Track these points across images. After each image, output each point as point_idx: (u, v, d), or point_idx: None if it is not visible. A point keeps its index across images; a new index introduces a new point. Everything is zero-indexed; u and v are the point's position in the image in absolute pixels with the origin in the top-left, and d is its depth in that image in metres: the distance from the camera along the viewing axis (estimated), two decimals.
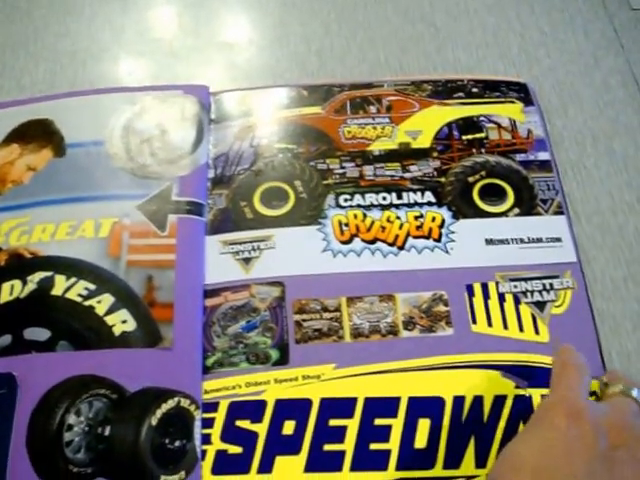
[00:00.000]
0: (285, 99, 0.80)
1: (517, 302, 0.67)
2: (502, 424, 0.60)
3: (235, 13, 0.90)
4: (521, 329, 0.65)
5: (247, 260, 0.69)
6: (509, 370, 0.63)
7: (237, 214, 0.72)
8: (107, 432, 0.60)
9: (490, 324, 0.66)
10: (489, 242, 0.70)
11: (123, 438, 0.60)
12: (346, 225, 0.71)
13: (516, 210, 0.72)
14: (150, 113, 0.77)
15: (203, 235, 0.70)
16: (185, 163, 0.73)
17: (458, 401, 0.62)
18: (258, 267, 0.69)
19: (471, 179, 0.74)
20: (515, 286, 0.67)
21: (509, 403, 0.62)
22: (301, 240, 0.70)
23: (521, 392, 0.62)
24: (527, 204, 0.72)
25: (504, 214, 0.72)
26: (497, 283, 0.67)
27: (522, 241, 0.70)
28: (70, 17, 0.90)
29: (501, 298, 0.67)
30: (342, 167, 0.75)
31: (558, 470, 0.48)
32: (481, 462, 0.59)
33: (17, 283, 0.68)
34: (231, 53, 0.86)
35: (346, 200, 0.73)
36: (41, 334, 0.65)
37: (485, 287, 0.67)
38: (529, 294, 0.67)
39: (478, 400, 0.62)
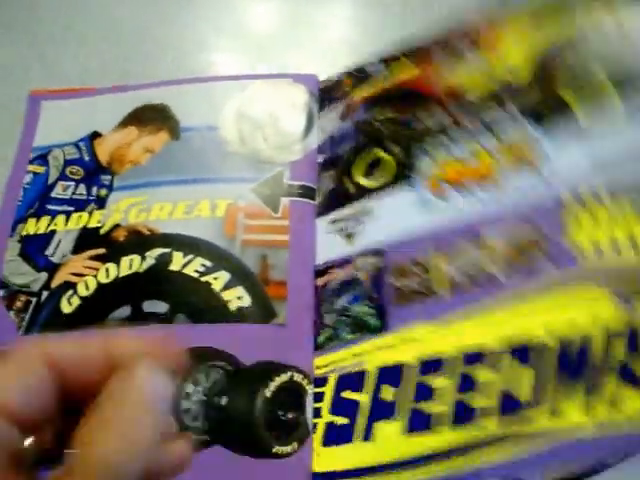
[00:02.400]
0: (382, 67, 0.80)
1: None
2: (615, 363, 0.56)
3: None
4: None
5: (350, 235, 0.70)
6: (623, 296, 0.58)
7: (342, 191, 0.73)
8: (223, 402, 0.62)
9: (598, 250, 0.60)
10: (596, 166, 0.64)
11: (239, 408, 0.62)
12: (441, 179, 0.70)
13: (624, 112, 0.66)
14: (262, 100, 0.79)
15: (314, 217, 0.72)
16: (296, 149, 0.75)
17: (563, 345, 0.58)
18: (360, 239, 0.69)
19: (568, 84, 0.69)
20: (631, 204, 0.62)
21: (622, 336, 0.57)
22: (398, 203, 0.70)
23: None
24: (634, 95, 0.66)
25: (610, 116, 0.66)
26: (605, 205, 0.62)
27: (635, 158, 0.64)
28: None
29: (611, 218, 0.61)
30: (438, 120, 0.73)
31: None
32: (590, 407, 0.55)
33: (136, 258, 0.70)
34: (334, 44, 0.88)
35: (439, 153, 0.71)
36: (159, 307, 0.68)
37: (591, 211, 0.62)
38: None
39: (587, 340, 0.57)
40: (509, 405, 0.57)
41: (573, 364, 0.57)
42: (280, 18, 0.91)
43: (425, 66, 0.77)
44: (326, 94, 0.80)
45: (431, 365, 0.61)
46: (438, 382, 0.60)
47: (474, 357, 0.60)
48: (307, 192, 0.73)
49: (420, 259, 0.66)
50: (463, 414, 0.58)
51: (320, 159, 0.76)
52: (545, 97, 0.69)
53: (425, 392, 0.60)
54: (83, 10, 0.92)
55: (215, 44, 0.89)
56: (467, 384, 0.59)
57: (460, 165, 0.69)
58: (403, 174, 0.71)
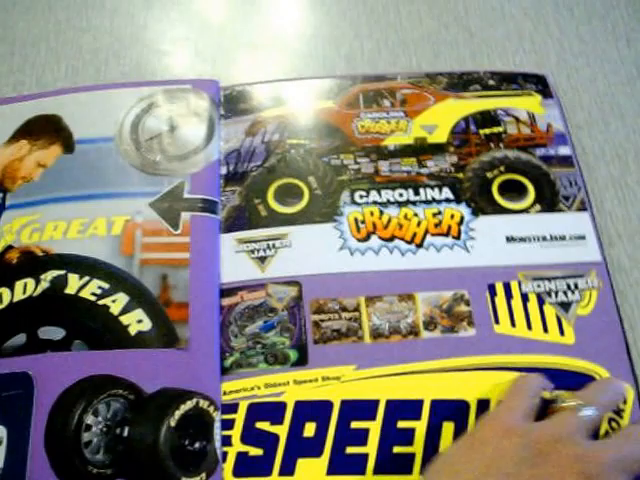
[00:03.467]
0: (296, 92, 0.79)
1: (541, 302, 0.66)
2: None
3: (262, 13, 0.89)
4: (545, 330, 0.65)
5: (262, 259, 0.68)
6: (532, 372, 0.62)
7: (251, 211, 0.71)
8: (126, 433, 0.60)
9: (513, 324, 0.65)
10: (510, 240, 0.69)
11: (142, 439, 0.59)
12: (362, 222, 0.70)
13: (537, 207, 0.70)
14: (159, 109, 0.76)
15: (217, 233, 0.70)
16: (196, 160, 0.72)
17: (482, 404, 0.61)
18: (274, 266, 0.68)
19: (490, 175, 0.72)
20: (538, 285, 0.66)
21: None
22: (317, 238, 0.69)
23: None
24: (549, 200, 0.71)
25: (525, 211, 0.70)
26: (520, 282, 0.66)
27: (544, 239, 0.69)
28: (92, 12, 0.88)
29: (524, 298, 0.66)
30: (357, 162, 0.73)
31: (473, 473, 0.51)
32: None
33: (30, 281, 0.67)
34: (255, 53, 0.85)
35: (362, 197, 0.71)
36: (56, 333, 0.65)
37: (507, 286, 0.66)
38: (553, 294, 0.66)
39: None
40: (431, 454, 0.58)
41: None
42: (177, 21, 0.87)
43: (344, 104, 0.78)
44: (230, 103, 0.78)
45: (355, 408, 0.61)
46: (362, 425, 0.60)
47: (398, 406, 0.61)
48: (209, 206, 0.70)
49: (343, 300, 0.66)
50: (388, 460, 0.59)
51: (223, 171, 0.73)
52: (462, 166, 0.73)
53: (348, 434, 0.60)
54: None
55: (112, 50, 0.85)
56: (391, 431, 0.61)
57: (384, 215, 0.70)
58: (322, 209, 0.71)
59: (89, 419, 0.60)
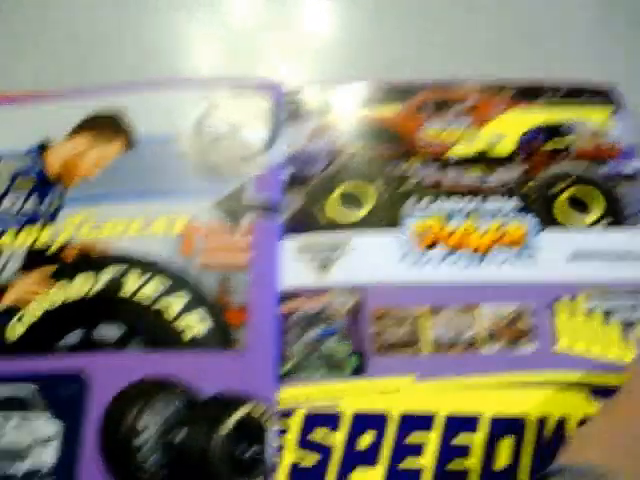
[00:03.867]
0: (362, 96, 0.78)
1: (604, 320, 0.64)
2: None
3: (327, 16, 0.88)
4: (607, 348, 0.63)
5: (324, 265, 0.67)
6: (594, 391, 0.61)
7: (313, 216, 0.70)
8: (179, 438, 0.59)
9: (574, 341, 0.63)
10: (576, 256, 0.67)
11: (195, 445, 0.58)
12: (426, 232, 0.69)
13: (604, 222, 0.69)
14: (224, 109, 0.76)
15: (278, 237, 0.68)
16: (259, 162, 0.72)
17: (541, 421, 0.59)
18: (335, 272, 0.67)
19: (556, 188, 0.71)
20: (603, 303, 0.65)
21: None
22: (379, 246, 0.68)
23: None
24: (616, 216, 0.69)
25: (592, 226, 0.69)
26: (583, 299, 0.65)
27: (610, 255, 0.67)
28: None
29: (587, 315, 0.64)
30: (421, 170, 0.72)
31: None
32: None
33: (88, 278, 0.67)
34: (318, 57, 0.84)
35: (426, 206, 0.70)
36: (112, 332, 0.65)
37: (571, 303, 0.65)
38: (617, 312, 0.64)
39: (562, 421, 0.59)
40: (488, 471, 0.58)
41: (549, 440, 0.59)
42: (243, 22, 0.86)
43: (411, 110, 0.76)
44: (294, 106, 0.77)
45: (413, 420, 0.60)
46: (419, 439, 0.59)
47: (456, 420, 0.60)
48: (271, 209, 0.69)
49: (404, 310, 0.65)
50: (443, 474, 0.58)
51: (286, 174, 0.72)
52: (529, 178, 0.72)
53: (405, 447, 0.59)
54: (39, 11, 0.88)
55: (177, 49, 0.84)
56: (448, 445, 0.59)
57: (448, 226, 0.69)
58: (385, 217, 0.70)
59: (143, 422, 0.59)
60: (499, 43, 0.83)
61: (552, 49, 0.82)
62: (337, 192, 0.71)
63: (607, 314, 0.64)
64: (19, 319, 0.66)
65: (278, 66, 0.83)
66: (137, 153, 0.74)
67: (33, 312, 0.66)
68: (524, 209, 0.70)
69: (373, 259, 0.68)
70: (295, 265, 0.68)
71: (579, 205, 0.70)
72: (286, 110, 0.76)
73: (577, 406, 0.60)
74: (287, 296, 0.66)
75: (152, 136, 0.74)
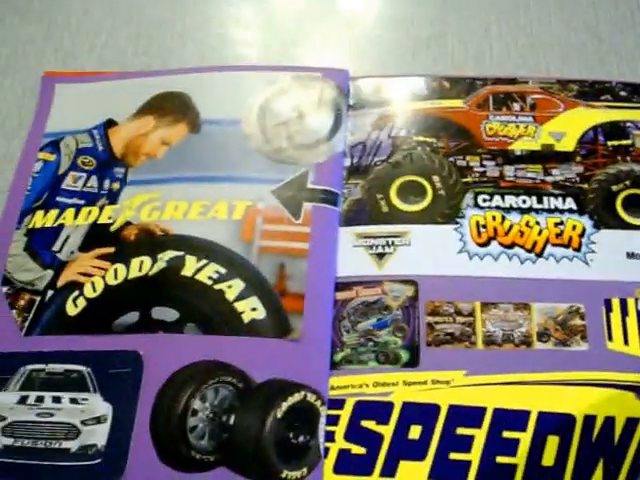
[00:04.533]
0: (425, 89, 0.77)
1: None
2: (633, 448, 0.58)
3: (393, 9, 0.87)
4: None
5: (381, 255, 0.67)
6: None
7: (372, 206, 0.70)
8: (231, 421, 0.60)
9: (627, 342, 0.63)
10: (631, 256, 0.67)
11: (247, 429, 0.59)
12: (484, 227, 0.68)
13: None
14: (288, 95, 0.76)
15: (337, 225, 0.69)
16: (322, 150, 0.72)
17: (589, 420, 0.59)
18: (392, 263, 0.67)
19: (615, 188, 0.70)
20: None
21: None
22: (437, 239, 0.68)
23: None
24: None
25: None
26: (637, 300, 0.65)
27: None
28: None
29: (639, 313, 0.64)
30: (482, 165, 0.72)
31: None
32: None
33: (147, 260, 0.67)
34: (383, 48, 0.84)
35: (485, 200, 0.70)
36: (169, 314, 0.65)
37: (624, 303, 0.64)
38: None
39: (610, 421, 0.59)
40: (534, 468, 0.58)
41: (595, 440, 0.59)
42: (308, 10, 0.86)
43: (473, 104, 0.76)
44: (358, 95, 0.77)
45: (462, 413, 0.60)
46: (467, 432, 0.59)
47: (505, 415, 0.60)
48: (331, 197, 0.69)
49: (458, 304, 0.65)
50: (490, 469, 0.58)
51: (347, 162, 0.73)
52: (588, 176, 0.71)
53: (453, 440, 0.59)
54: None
55: (239, 36, 0.86)
56: (496, 440, 0.59)
57: (506, 221, 0.69)
58: (445, 210, 0.70)
59: (196, 404, 0.60)
60: (563, 40, 0.82)
61: (616, 48, 0.81)
62: (398, 183, 0.72)
63: None
64: (78, 296, 0.66)
65: (340, 57, 0.83)
66: (201, 136, 0.74)
67: (92, 290, 0.66)
68: (581, 208, 0.69)
69: (430, 252, 0.68)
70: (353, 254, 0.68)
71: (637, 206, 0.70)
72: (352, 98, 0.76)
73: (624, 407, 0.60)
74: (343, 285, 0.66)
75: (217, 120, 0.75)
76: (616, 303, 0.65)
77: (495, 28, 0.84)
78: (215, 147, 0.73)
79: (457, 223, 0.69)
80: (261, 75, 0.78)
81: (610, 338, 0.63)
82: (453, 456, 0.59)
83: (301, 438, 0.59)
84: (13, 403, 0.62)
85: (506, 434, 0.59)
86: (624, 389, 0.61)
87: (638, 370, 0.62)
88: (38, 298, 0.67)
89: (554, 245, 0.68)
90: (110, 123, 0.76)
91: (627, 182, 0.71)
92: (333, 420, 0.60)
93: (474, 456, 0.58)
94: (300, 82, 0.76)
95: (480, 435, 0.59)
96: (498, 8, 0.85)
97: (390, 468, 0.58)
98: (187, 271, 0.66)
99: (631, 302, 0.65)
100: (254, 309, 0.64)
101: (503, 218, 0.69)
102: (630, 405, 0.60)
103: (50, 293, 0.67)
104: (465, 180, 0.71)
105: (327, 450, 0.59)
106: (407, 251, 0.68)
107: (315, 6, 0.87)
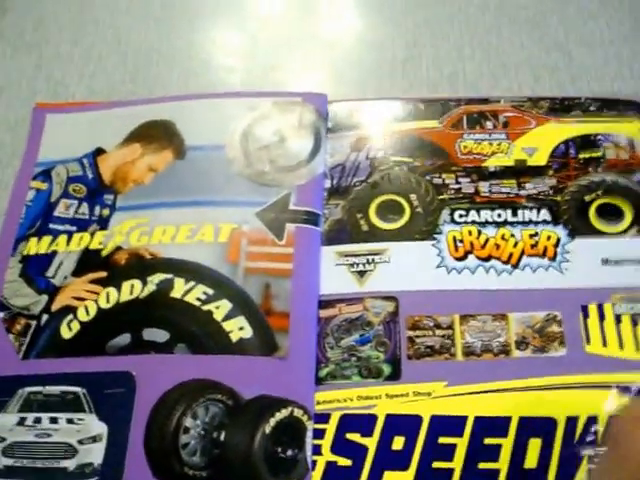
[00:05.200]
0: (401, 112, 0.79)
1: (634, 324, 0.65)
2: None
3: (369, 33, 0.90)
4: (638, 349, 0.64)
5: (362, 273, 0.69)
6: (625, 390, 0.62)
7: (353, 225, 0.72)
8: (222, 437, 0.62)
9: (605, 344, 0.65)
10: (605, 262, 0.69)
11: (237, 444, 0.61)
12: (461, 241, 0.70)
13: (634, 230, 0.70)
14: (269, 120, 0.78)
15: (319, 245, 0.71)
16: (303, 172, 0.74)
17: (571, 422, 0.61)
18: (372, 280, 0.69)
19: (587, 198, 0.72)
20: (632, 307, 0.66)
21: None
22: (415, 255, 0.70)
23: None
24: None
25: (622, 234, 0.70)
26: (613, 304, 0.66)
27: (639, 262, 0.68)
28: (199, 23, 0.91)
29: (617, 319, 0.65)
30: (458, 182, 0.74)
31: None
32: None
33: (137, 283, 0.69)
34: (360, 71, 0.86)
35: (461, 216, 0.72)
36: (160, 335, 0.67)
37: (601, 308, 0.66)
38: None
39: (592, 420, 0.61)
40: (517, 471, 0.59)
41: (578, 439, 0.60)
42: (289, 35, 0.89)
43: (447, 123, 0.78)
44: (336, 118, 0.79)
45: (444, 423, 0.62)
46: (449, 441, 0.61)
47: (486, 422, 0.62)
48: (312, 218, 0.71)
49: (438, 317, 0.67)
50: (473, 476, 0.59)
51: (327, 184, 0.75)
52: (560, 189, 0.73)
53: (436, 449, 0.61)
54: (90, 27, 0.91)
55: (222, 62, 0.88)
56: (477, 447, 0.61)
57: (482, 235, 0.71)
58: (422, 226, 0.72)
59: (188, 422, 0.62)
60: (535, 59, 0.85)
61: (586, 65, 0.84)
62: (376, 202, 0.73)
63: (636, 317, 0.66)
64: (72, 320, 0.68)
65: (319, 81, 0.85)
66: (186, 162, 0.76)
67: (85, 314, 0.68)
68: (555, 219, 0.71)
69: (409, 268, 0.69)
70: (335, 273, 0.70)
71: (609, 214, 0.71)
72: (329, 122, 0.78)
73: (607, 404, 0.62)
74: (326, 303, 0.68)
75: (201, 146, 0.77)
76: (593, 309, 0.66)
77: (468, 50, 0.86)
78: (200, 172, 0.75)
79: (434, 239, 0.71)
80: (243, 101, 0.79)
81: (588, 341, 0.65)
82: (436, 465, 0.60)
83: (289, 452, 0.61)
84: (12, 424, 0.64)
85: (487, 441, 0.61)
86: (604, 388, 0.62)
87: (618, 370, 0.63)
88: (34, 322, 0.69)
89: (529, 256, 0.69)
90: (99, 151, 0.78)
91: (599, 192, 0.73)
92: (319, 434, 0.62)
93: (457, 464, 0.60)
94: (280, 107, 0.78)
95: (462, 443, 0.61)
96: (471, 30, 0.88)
97: (375, 479, 0.60)
98: (176, 293, 0.68)
99: (608, 307, 0.66)
100: (241, 328, 0.66)
101: (479, 232, 0.71)
102: (612, 402, 0.62)
103: (45, 317, 0.69)
104: (441, 197, 0.73)
105: (314, 463, 0.61)
106: (387, 268, 0.70)
107: (295, 31, 0.89)
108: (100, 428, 0.63)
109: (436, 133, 0.78)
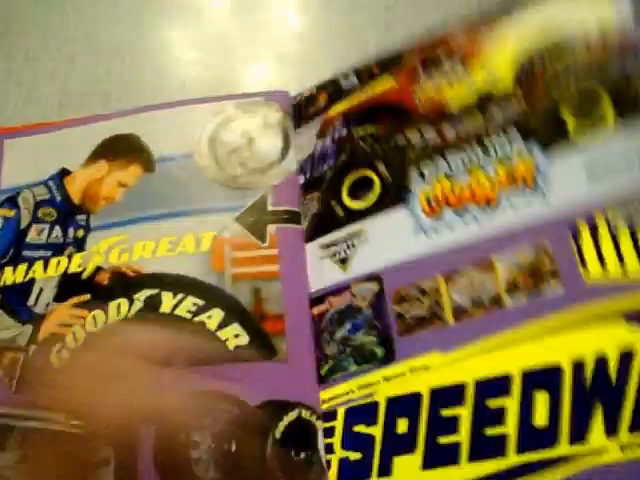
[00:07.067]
0: (356, 80, 0.77)
1: (634, 236, 0.58)
2: (633, 382, 0.53)
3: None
4: None
5: (344, 260, 0.68)
6: (634, 318, 0.55)
7: (329, 214, 0.71)
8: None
9: (604, 266, 0.58)
10: (591, 176, 0.61)
11: (249, 453, 0.61)
12: (433, 198, 0.67)
13: (615, 125, 0.62)
14: (235, 123, 0.77)
15: (302, 243, 0.70)
16: (276, 172, 0.73)
17: (578, 365, 0.56)
18: (355, 264, 0.67)
19: (556, 95, 0.65)
20: (629, 218, 0.59)
21: (639, 355, 0.53)
22: (391, 226, 0.67)
23: None
24: (629, 111, 0.62)
25: (603, 130, 0.62)
26: (607, 219, 0.59)
27: (628, 164, 0.61)
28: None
29: (613, 234, 0.59)
30: (422, 136, 0.70)
31: None
32: (611, 429, 0.52)
33: (124, 302, 0.68)
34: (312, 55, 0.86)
35: (430, 171, 0.68)
36: None
37: (593, 227, 0.59)
38: None
39: (601, 361, 0.54)
40: (527, 432, 0.55)
41: (589, 385, 0.55)
42: (244, 35, 0.88)
43: (403, 78, 0.74)
44: (300, 111, 0.78)
45: (444, 395, 0.59)
46: (452, 413, 0.58)
47: (486, 385, 0.58)
48: (292, 217, 0.71)
49: (422, 284, 0.64)
50: (481, 445, 0.57)
51: (301, 180, 0.74)
52: (530, 108, 0.66)
53: (440, 424, 0.58)
54: (60, 27, 0.91)
55: (180, 70, 0.87)
56: (482, 413, 0.58)
57: (455, 185, 0.66)
58: (393, 195, 0.69)
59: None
60: None
61: None
62: (347, 183, 0.72)
63: (635, 228, 0.58)
64: (61, 349, 0.67)
65: (281, 77, 0.85)
66: (157, 174, 0.75)
67: (74, 340, 0.67)
68: (528, 138, 0.65)
69: (388, 241, 0.67)
70: (320, 266, 0.69)
71: (587, 110, 0.64)
72: (295, 116, 0.78)
73: (614, 339, 0.55)
74: (317, 299, 0.68)
75: (170, 156, 0.76)
76: (584, 229, 0.59)
77: None
78: (172, 183, 0.74)
79: (407, 203, 0.68)
80: (206, 107, 0.78)
81: (584, 266, 0.58)
82: (442, 440, 0.57)
83: (302, 455, 0.61)
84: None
85: (491, 404, 0.57)
86: (609, 319, 0.55)
87: (622, 294, 0.56)
88: (22, 355, 0.67)
89: (508, 190, 0.64)
90: (65, 172, 0.76)
91: (570, 85, 0.65)
92: (329, 432, 0.61)
93: (463, 436, 0.57)
94: (244, 108, 0.77)
95: (465, 412, 0.58)
96: None
97: (386, 467, 0.58)
98: (165, 307, 0.68)
99: (601, 223, 0.59)
100: (237, 335, 0.66)
101: (451, 182, 0.66)
102: (620, 335, 0.55)
103: (33, 348, 0.68)
104: (408, 157, 0.70)
105: (329, 462, 0.60)
106: (367, 247, 0.68)
107: (246, 29, 0.89)
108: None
109: (392, 91, 0.74)
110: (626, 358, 0.54)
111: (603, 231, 0.58)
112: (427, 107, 0.71)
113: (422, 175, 0.67)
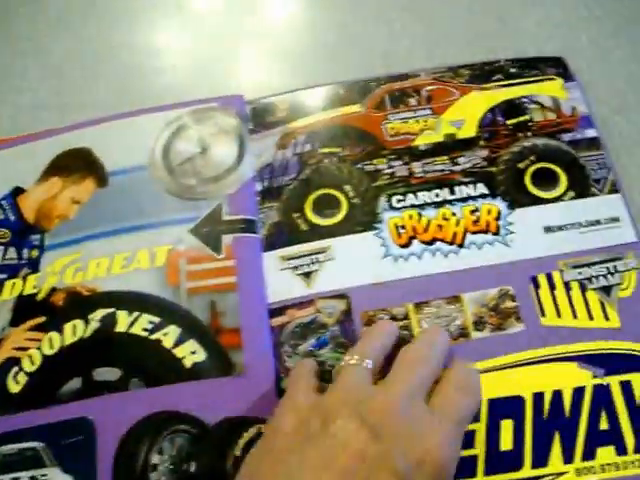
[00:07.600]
0: (323, 100, 0.78)
1: (583, 290, 0.65)
2: (584, 416, 0.60)
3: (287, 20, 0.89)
4: (590, 317, 0.64)
5: (307, 274, 0.68)
6: (584, 360, 0.62)
7: (291, 227, 0.70)
8: (193, 468, 0.60)
9: (559, 315, 0.64)
10: (548, 230, 0.68)
11: (209, 473, 0.59)
12: (403, 227, 0.69)
13: (571, 193, 0.70)
14: (188, 131, 0.75)
15: (260, 253, 0.69)
16: (231, 179, 0.72)
17: (538, 398, 0.61)
18: (320, 280, 0.67)
19: (521, 165, 0.72)
20: (579, 273, 0.66)
21: (588, 393, 0.61)
22: (359, 248, 0.69)
23: (599, 381, 0.61)
24: (581, 185, 0.70)
25: (559, 199, 0.70)
26: (561, 272, 0.66)
27: (581, 225, 0.68)
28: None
29: (567, 287, 0.65)
30: (390, 166, 0.73)
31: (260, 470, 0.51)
32: (568, 457, 0.59)
33: (79, 323, 0.67)
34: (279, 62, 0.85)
35: (399, 201, 0.71)
36: (111, 374, 0.65)
37: (550, 277, 0.66)
38: (594, 280, 0.66)
39: (557, 394, 0.61)
40: (493, 454, 0.59)
41: (547, 415, 0.61)
42: (195, 36, 0.86)
43: (370, 106, 0.77)
44: (257, 117, 0.77)
45: None
46: None
47: None
48: (249, 226, 0.70)
49: (392, 309, 0.65)
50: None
51: (258, 187, 0.73)
52: (492, 158, 0.73)
53: None
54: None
55: (135, 82, 0.85)
56: None
57: (423, 219, 0.70)
58: (361, 217, 0.71)
59: (155, 458, 0.60)
60: (443, 30, 0.85)
61: (516, 28, 0.84)
62: (311, 199, 0.72)
63: (584, 283, 0.66)
64: (18, 372, 0.66)
65: (241, 78, 0.84)
66: (110, 188, 0.74)
67: (30, 364, 0.66)
68: (493, 191, 0.71)
69: (356, 262, 0.68)
70: (280, 278, 0.68)
71: (545, 180, 0.71)
72: (251, 122, 0.76)
73: (569, 376, 0.62)
74: (277, 311, 0.67)
75: (123, 169, 0.74)
76: (542, 279, 0.66)
77: (398, 24, 0.86)
78: (126, 197, 0.72)
79: (376, 229, 0.70)
80: (157, 116, 0.77)
81: (543, 314, 0.64)
82: None
83: None
84: None
85: None
86: (565, 361, 0.62)
87: (574, 340, 0.63)
88: None
89: (474, 233, 0.69)
90: (18, 191, 0.75)
91: (532, 157, 0.72)
92: None
93: None
94: (197, 116, 0.76)
95: None
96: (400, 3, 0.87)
97: None
98: (121, 327, 0.66)
99: (556, 275, 0.66)
100: (194, 352, 0.64)
101: (420, 215, 0.70)
102: (573, 375, 0.62)
103: None
104: (376, 184, 0.72)
105: None
106: (333, 265, 0.68)
107: (199, 34, 0.87)
108: None
109: (361, 118, 0.76)
110: (577, 395, 0.61)
111: (558, 282, 0.65)
112: (395, 140, 0.74)
113: (391, 204, 0.70)
